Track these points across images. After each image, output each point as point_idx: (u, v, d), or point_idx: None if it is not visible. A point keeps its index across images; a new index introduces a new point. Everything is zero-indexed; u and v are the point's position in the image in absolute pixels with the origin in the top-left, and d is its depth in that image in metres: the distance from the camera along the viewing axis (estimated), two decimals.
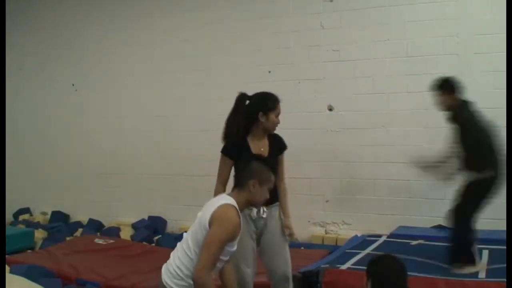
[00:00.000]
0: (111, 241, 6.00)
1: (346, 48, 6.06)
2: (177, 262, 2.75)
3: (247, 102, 3.63)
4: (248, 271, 3.54)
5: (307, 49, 6.23)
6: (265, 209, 3.58)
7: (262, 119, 3.57)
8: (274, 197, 3.60)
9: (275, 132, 3.71)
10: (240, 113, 3.56)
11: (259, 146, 3.63)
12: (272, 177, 2.95)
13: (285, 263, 3.63)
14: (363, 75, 5.97)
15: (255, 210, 3.51)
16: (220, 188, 3.56)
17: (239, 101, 3.60)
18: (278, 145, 3.71)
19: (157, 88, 7.05)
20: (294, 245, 5.84)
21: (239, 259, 3.49)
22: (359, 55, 5.97)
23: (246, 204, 2.91)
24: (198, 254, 2.69)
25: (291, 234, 3.76)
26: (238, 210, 2.79)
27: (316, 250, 5.48)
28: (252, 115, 3.57)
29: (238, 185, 2.91)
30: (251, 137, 3.61)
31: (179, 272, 2.72)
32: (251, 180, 2.83)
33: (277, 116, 3.61)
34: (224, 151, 3.59)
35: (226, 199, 2.81)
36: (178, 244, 2.88)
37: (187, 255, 2.73)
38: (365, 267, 2.52)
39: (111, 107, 7.34)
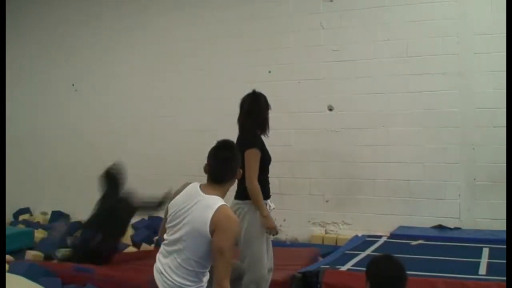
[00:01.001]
0: None
1: (346, 48, 6.05)
2: (176, 277, 2.65)
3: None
4: (265, 265, 3.60)
5: (307, 49, 6.23)
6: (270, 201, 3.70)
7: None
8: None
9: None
10: (266, 109, 3.73)
11: None
12: None
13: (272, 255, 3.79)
14: (363, 75, 5.97)
15: (269, 201, 3.64)
16: (257, 185, 3.50)
17: (262, 98, 3.75)
18: None
19: (157, 88, 7.05)
20: (295, 245, 5.87)
21: (261, 254, 3.54)
22: (359, 55, 5.97)
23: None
24: (211, 261, 2.63)
25: None
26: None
27: (305, 249, 5.41)
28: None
29: (224, 179, 2.75)
30: None
31: (178, 284, 2.65)
32: (238, 168, 2.83)
33: None
34: (257, 145, 3.58)
35: (214, 200, 2.66)
36: (165, 252, 2.72)
37: (185, 267, 2.65)
38: (365, 269, 2.52)
39: (111, 107, 7.33)
